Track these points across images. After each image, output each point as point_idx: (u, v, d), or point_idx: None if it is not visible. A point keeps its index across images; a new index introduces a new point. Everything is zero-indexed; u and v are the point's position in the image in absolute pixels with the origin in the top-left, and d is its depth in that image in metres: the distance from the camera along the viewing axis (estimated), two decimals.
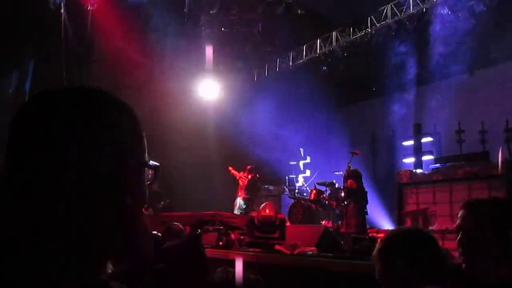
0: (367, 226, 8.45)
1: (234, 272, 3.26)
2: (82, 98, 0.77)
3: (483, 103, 11.60)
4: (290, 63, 13.19)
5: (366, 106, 13.92)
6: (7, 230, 0.68)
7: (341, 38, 12.06)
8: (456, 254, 1.84)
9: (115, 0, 10.45)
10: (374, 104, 13.69)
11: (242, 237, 7.13)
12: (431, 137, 11.89)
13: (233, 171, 11.67)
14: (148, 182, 0.82)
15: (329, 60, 12.55)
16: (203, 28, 12.06)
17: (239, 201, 11.30)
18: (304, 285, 5.22)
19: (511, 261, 1.59)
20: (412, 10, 10.77)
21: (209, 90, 13.72)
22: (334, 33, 12.20)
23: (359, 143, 12.68)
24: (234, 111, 13.36)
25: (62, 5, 9.55)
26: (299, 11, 11.67)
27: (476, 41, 11.13)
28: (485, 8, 9.87)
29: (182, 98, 12.85)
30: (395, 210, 10.33)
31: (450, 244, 4.82)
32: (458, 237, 1.70)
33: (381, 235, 8.75)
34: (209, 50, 11.99)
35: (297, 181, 12.31)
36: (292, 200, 10.77)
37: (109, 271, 0.76)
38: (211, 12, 11.71)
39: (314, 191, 10.02)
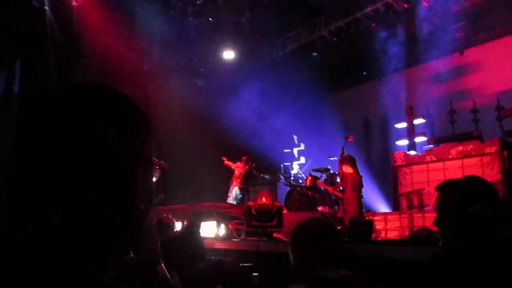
0: (363, 210, 8.50)
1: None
2: (93, 95, 0.75)
3: (474, 83, 11.67)
4: (280, 51, 13.15)
5: (357, 91, 13.94)
6: (15, 226, 0.67)
7: (329, 23, 12.03)
8: None
9: None
10: (365, 88, 13.71)
11: (240, 227, 7.15)
12: (424, 118, 11.95)
13: (228, 162, 11.67)
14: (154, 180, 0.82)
15: (319, 46, 12.52)
16: (190, 19, 11.97)
17: (235, 190, 11.32)
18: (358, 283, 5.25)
19: (478, 237, 1.63)
20: None
21: (198, 80, 13.72)
22: (322, 19, 12.16)
23: (352, 128, 12.76)
24: (225, 101, 13.34)
25: (46, 2, 9.44)
26: None
27: (465, 20, 11.16)
28: None
29: (171, 91, 12.80)
30: (391, 192, 10.45)
31: None
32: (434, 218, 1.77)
33: (378, 217, 8.93)
34: None
35: (292, 169, 12.34)
36: (288, 187, 10.83)
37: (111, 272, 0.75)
38: (197, 2, 11.63)
39: (310, 178, 10.01)
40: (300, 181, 11.42)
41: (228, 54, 12.96)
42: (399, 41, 11.92)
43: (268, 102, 13.44)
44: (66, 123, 0.70)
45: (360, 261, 4.00)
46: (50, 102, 0.73)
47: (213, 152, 12.40)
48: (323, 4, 11.63)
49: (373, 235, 6.40)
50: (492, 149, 8.86)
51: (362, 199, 8.20)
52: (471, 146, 9.32)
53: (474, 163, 9.03)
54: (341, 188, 8.43)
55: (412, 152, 11.08)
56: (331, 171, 10.06)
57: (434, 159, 9.78)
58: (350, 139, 8.53)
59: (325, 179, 10.08)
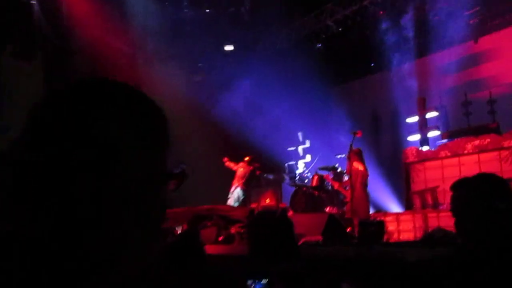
0: (374, 210, 8.48)
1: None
2: (106, 92, 0.72)
3: (490, 72, 11.59)
4: (283, 42, 13.12)
5: (365, 83, 13.90)
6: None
7: (335, 11, 11.97)
8: None
9: None
10: (374, 80, 13.66)
11: (242, 231, 7.07)
12: (437, 111, 11.89)
13: (229, 163, 11.68)
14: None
15: (324, 36, 12.48)
16: (186, 10, 11.95)
17: (238, 191, 11.28)
18: (311, 276, 5.25)
19: (502, 237, 1.67)
20: None
21: (197, 75, 13.73)
22: (328, 7, 12.11)
23: (360, 123, 12.64)
24: (225, 97, 13.35)
25: None
26: None
27: (479, 5, 11.08)
28: None
29: (168, 87, 12.80)
30: (402, 190, 10.40)
31: None
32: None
33: (390, 218, 8.89)
34: None
35: (298, 168, 12.33)
36: (294, 188, 10.79)
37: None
38: None
39: (316, 177, 10.04)
40: (306, 180, 11.41)
41: (228, 47, 12.94)
42: (409, 30, 11.85)
43: (271, 97, 13.40)
44: (74, 123, 0.66)
45: (369, 264, 3.97)
46: (59, 100, 0.70)
47: (213, 151, 12.41)
48: None
49: (385, 237, 6.36)
50: (511, 142, 8.80)
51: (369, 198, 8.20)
52: (488, 139, 9.26)
53: (492, 158, 8.97)
54: (347, 188, 8.39)
55: (425, 148, 11.03)
56: (339, 170, 10.03)
57: (449, 154, 9.73)
58: (359, 135, 8.37)
59: (332, 178, 10.04)
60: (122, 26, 11.39)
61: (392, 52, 12.35)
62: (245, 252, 6.15)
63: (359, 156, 8.33)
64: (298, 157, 12.99)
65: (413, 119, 12.13)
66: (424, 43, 12.00)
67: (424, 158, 10.16)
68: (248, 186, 11.57)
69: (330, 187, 10.06)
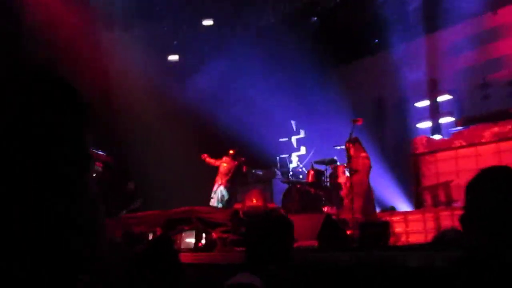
0: (378, 209, 8.52)
1: None
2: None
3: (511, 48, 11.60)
4: (271, 16, 13.03)
5: (368, 63, 13.90)
6: None
7: None
8: None
9: None
10: (377, 59, 13.67)
11: (225, 235, 7.18)
12: (450, 94, 11.93)
13: (209, 159, 11.68)
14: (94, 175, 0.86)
15: (319, 8, 12.43)
16: None
17: (221, 191, 11.29)
18: (304, 285, 5.24)
19: None
20: None
21: (170, 56, 13.66)
22: None
23: (362, 109, 12.68)
24: (202, 80, 13.26)
25: None
26: None
27: None
28: None
29: (138, 71, 12.70)
30: (411, 186, 10.43)
31: None
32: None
33: (397, 218, 8.90)
34: None
35: (291, 162, 12.33)
36: (286, 185, 10.82)
37: None
38: None
39: (312, 172, 10.06)
40: (301, 176, 11.45)
41: (207, 21, 12.87)
42: (417, 1, 11.83)
43: (258, 81, 13.37)
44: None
45: (367, 271, 3.97)
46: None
47: (191, 144, 12.36)
48: None
49: (392, 240, 6.37)
50: None
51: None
52: (509, 126, 9.29)
53: None
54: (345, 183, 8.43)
55: (437, 136, 11.07)
56: (338, 163, 10.03)
57: (464, 144, 9.77)
58: (359, 123, 8.54)
59: (330, 173, 10.05)
60: (83, 2, 11.32)
61: (398, 28, 12.35)
62: (229, 260, 6.17)
63: (359, 144, 8.40)
64: (291, 149, 12.99)
65: (423, 104, 12.16)
66: (435, 17, 11.98)
67: (435, 148, 10.20)
68: (233, 184, 11.61)
69: (328, 183, 10.06)
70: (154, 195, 12.75)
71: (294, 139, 13.30)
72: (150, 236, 7.01)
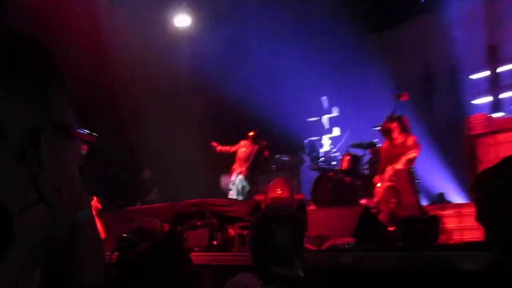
0: (426, 202, 8.49)
1: None
2: None
3: None
4: None
5: (413, 27, 13.70)
6: None
7: None
8: None
9: None
10: (425, 23, 13.48)
11: (245, 232, 7.16)
12: None
13: (221, 147, 11.73)
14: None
15: None
16: None
17: (241, 181, 11.32)
18: None
19: None
20: None
21: (180, 16, 13.73)
22: None
23: (406, 82, 12.63)
24: (215, 49, 13.27)
25: None
26: None
27: None
28: None
29: (138, 38, 12.71)
30: (466, 174, 10.31)
31: None
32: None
33: (448, 211, 8.82)
34: None
35: (322, 146, 12.34)
36: (316, 172, 10.82)
37: None
38: None
39: (348, 158, 10.03)
40: (334, 162, 11.45)
41: None
42: None
43: (282, 49, 13.29)
44: None
45: (413, 275, 3.94)
46: None
47: (203, 126, 12.45)
48: None
49: (443, 238, 6.30)
50: None
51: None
52: None
53: None
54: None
55: (498, 114, 10.89)
56: (378, 146, 9.97)
57: None
58: (404, 98, 8.52)
59: (369, 159, 9.98)
60: None
61: None
62: (248, 261, 6.21)
63: (406, 126, 8.32)
64: (322, 131, 12.94)
65: (481, 75, 12.00)
66: None
67: (496, 128, 10.03)
68: (254, 172, 11.62)
69: (366, 171, 10.02)
70: (160, 184, 12.91)
71: (325, 118, 13.22)
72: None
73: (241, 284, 2.58)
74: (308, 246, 6.30)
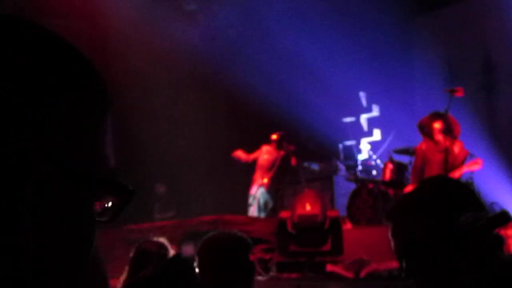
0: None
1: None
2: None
3: None
4: None
5: (469, 8, 13.60)
6: None
7: None
8: None
9: None
10: (485, 2, 13.39)
11: (268, 256, 7.31)
12: None
13: (241, 155, 11.68)
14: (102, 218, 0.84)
15: None
16: None
17: (263, 194, 11.28)
18: None
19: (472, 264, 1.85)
20: None
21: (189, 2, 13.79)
22: None
23: (462, 75, 12.53)
24: (232, 37, 13.31)
25: None
26: None
27: None
28: None
29: (142, 25, 12.80)
30: None
31: None
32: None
33: None
34: None
35: (360, 151, 12.25)
36: (353, 184, 10.80)
37: None
38: None
39: (391, 166, 9.96)
40: (374, 172, 11.40)
41: None
42: None
43: (313, 38, 13.27)
44: None
45: None
46: None
47: (218, 126, 12.55)
48: None
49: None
50: None
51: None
52: None
53: None
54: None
55: None
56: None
57: None
58: (459, 94, 8.48)
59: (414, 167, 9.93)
60: None
61: None
62: None
63: (454, 129, 8.34)
64: (360, 134, 12.91)
65: None
66: None
67: None
68: (279, 183, 11.56)
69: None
70: (168, 197, 12.94)
71: (364, 118, 13.22)
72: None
73: None
74: (343, 272, 6.32)
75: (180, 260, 4.60)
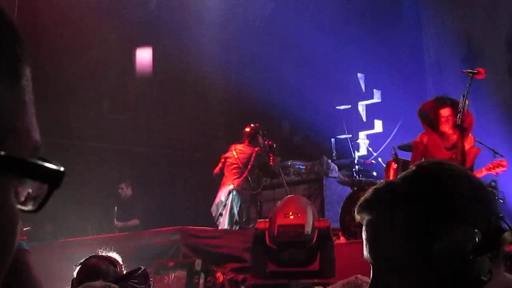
0: None
1: None
2: None
3: None
4: None
5: None
6: None
7: None
8: None
9: None
10: None
11: (240, 277, 7.37)
12: None
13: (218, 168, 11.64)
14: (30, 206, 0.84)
15: None
16: None
17: (234, 198, 11.17)
18: None
19: None
20: None
21: None
22: None
23: (484, 52, 12.54)
24: (207, 12, 13.27)
25: None
26: None
27: None
28: None
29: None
30: None
31: None
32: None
33: None
34: None
35: (356, 147, 12.42)
36: (348, 187, 10.93)
37: None
38: None
39: (395, 165, 9.98)
40: (375, 173, 11.59)
41: None
42: None
43: (301, 10, 13.28)
44: None
45: None
46: None
47: (179, 115, 12.78)
48: None
49: None
50: None
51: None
52: None
53: None
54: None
55: None
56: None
57: None
58: (480, 76, 8.42)
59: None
60: None
61: None
62: None
63: (466, 119, 8.29)
64: (357, 125, 13.00)
65: None
66: None
67: None
68: (253, 186, 11.49)
69: None
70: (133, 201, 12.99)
71: (362, 106, 13.28)
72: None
73: None
74: None
75: (127, 281, 4.66)
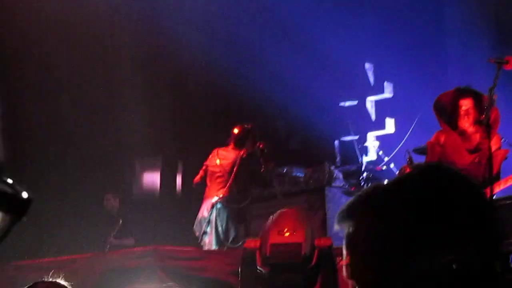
0: None
1: None
2: None
3: None
4: None
5: None
6: None
7: None
8: None
9: None
10: None
11: None
12: None
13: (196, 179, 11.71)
14: None
15: None
16: None
17: (219, 212, 11.16)
18: None
19: None
20: None
21: None
22: None
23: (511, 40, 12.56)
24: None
25: None
26: None
27: None
28: None
29: None
30: None
31: None
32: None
33: None
34: None
35: (366, 151, 12.51)
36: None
37: None
38: None
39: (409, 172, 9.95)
40: (386, 180, 11.27)
41: None
42: None
43: None
44: None
45: None
46: None
47: (163, 115, 12.96)
48: None
49: None
50: None
51: None
52: None
53: None
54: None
55: None
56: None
57: None
58: (509, 67, 8.38)
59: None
60: None
61: None
62: None
63: (493, 114, 8.22)
64: (365, 125, 13.08)
65: None
66: None
67: None
68: (242, 197, 11.48)
69: None
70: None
71: (370, 103, 13.32)
72: None
73: None
74: None
75: None
